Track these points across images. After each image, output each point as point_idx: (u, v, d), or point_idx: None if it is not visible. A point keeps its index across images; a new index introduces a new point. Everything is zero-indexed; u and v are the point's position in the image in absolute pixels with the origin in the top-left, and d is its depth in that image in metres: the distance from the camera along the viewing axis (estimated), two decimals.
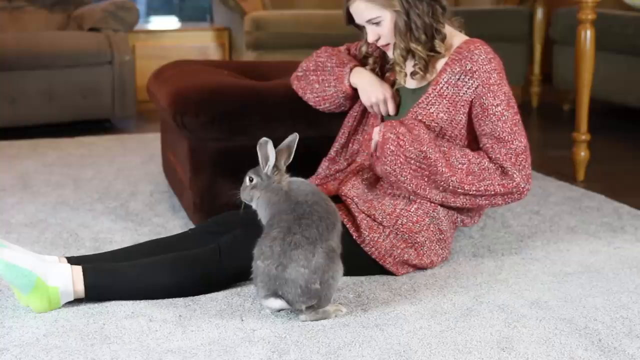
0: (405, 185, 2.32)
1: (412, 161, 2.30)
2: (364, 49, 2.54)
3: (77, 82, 4.69)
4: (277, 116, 2.71)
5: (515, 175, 2.37)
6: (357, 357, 1.89)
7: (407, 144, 2.29)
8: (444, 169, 2.31)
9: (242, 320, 2.10)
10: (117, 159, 3.97)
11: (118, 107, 4.81)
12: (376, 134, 2.33)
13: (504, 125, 2.35)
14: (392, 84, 2.51)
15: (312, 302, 2.05)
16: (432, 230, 2.40)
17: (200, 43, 5.66)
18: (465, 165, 2.34)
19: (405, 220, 2.36)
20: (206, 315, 2.13)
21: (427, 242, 2.40)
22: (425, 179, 2.32)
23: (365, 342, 1.96)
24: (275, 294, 2.05)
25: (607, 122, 4.86)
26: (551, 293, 2.27)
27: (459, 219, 2.47)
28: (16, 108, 4.58)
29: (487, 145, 2.37)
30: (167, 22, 6.44)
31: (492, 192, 2.37)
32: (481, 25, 4.37)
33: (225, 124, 2.69)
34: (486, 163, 2.36)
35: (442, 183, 2.32)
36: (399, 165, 2.30)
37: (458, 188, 2.34)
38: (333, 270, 2.06)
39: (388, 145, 2.29)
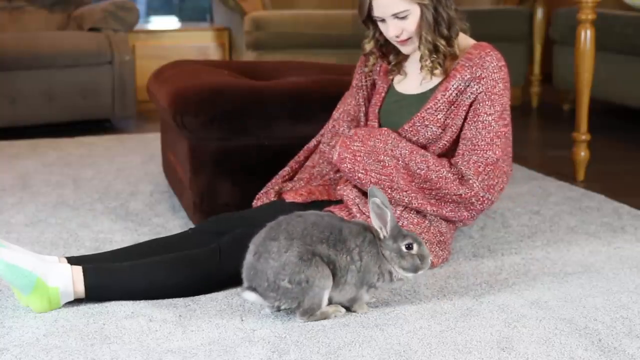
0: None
1: (373, 173, 2.32)
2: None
3: (77, 82, 4.69)
4: (277, 116, 2.71)
5: (474, 185, 2.34)
6: (357, 357, 1.89)
7: (363, 157, 2.32)
8: (401, 176, 2.32)
9: (242, 320, 2.10)
10: (117, 159, 3.97)
11: (118, 107, 4.81)
12: (335, 154, 2.35)
13: (486, 134, 2.34)
14: (388, 89, 2.51)
15: (287, 302, 2.02)
16: (432, 232, 2.40)
17: (200, 43, 5.66)
18: (423, 172, 2.34)
19: (406, 222, 2.36)
20: (206, 315, 2.13)
21: (427, 244, 2.39)
22: (388, 185, 2.33)
23: (365, 342, 1.96)
24: (251, 287, 2.05)
25: (607, 122, 4.86)
26: (551, 293, 2.26)
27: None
28: (16, 108, 4.58)
29: (460, 151, 2.37)
30: (167, 22, 6.45)
31: (449, 201, 2.37)
32: (481, 25, 4.34)
33: (225, 124, 2.69)
34: (445, 172, 2.34)
35: (403, 187, 2.33)
36: (359, 179, 2.33)
37: (417, 194, 2.35)
38: (308, 274, 2.00)
39: (345, 164, 2.33)
